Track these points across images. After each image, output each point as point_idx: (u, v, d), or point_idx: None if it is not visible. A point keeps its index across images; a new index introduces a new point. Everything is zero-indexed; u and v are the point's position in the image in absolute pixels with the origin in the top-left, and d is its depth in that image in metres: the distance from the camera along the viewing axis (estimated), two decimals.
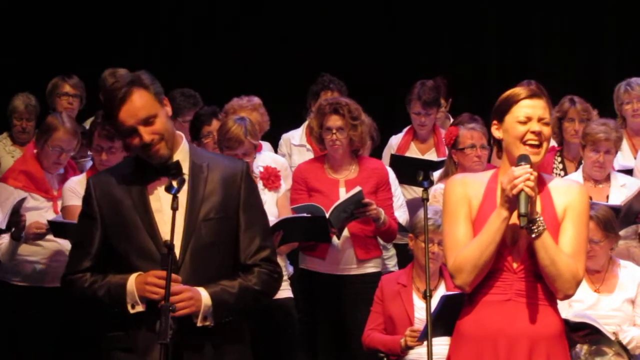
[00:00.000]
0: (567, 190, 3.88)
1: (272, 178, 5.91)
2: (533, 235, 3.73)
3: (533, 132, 3.79)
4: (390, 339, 5.48)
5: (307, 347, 6.15)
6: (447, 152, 6.58)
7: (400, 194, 6.42)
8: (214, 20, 9.35)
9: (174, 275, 3.69)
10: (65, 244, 5.82)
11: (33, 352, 5.99)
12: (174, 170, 3.79)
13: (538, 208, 3.75)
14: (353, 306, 5.98)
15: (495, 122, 3.89)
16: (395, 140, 7.44)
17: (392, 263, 6.63)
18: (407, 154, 7.22)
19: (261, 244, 3.89)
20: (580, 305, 5.28)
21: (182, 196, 3.79)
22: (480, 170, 5.84)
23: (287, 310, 5.82)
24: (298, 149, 7.22)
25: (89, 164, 6.38)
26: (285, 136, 7.33)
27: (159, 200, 3.82)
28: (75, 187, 5.78)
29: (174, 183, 3.72)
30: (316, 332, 6.13)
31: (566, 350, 3.90)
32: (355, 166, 6.08)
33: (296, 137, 7.29)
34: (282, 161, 6.38)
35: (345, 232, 5.91)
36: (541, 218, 3.73)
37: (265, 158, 6.15)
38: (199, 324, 3.75)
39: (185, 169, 3.86)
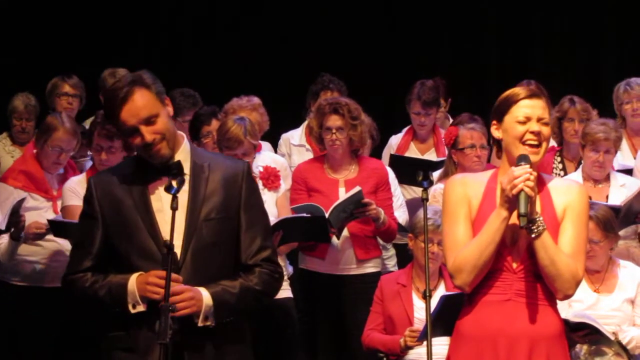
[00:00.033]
0: (566, 190, 3.88)
1: (271, 178, 5.91)
2: (533, 235, 3.73)
3: (532, 132, 3.79)
4: (390, 338, 5.48)
5: (307, 347, 6.15)
6: (446, 152, 6.58)
7: (399, 194, 6.42)
8: (214, 20, 9.35)
9: (175, 275, 3.70)
10: (65, 244, 5.83)
11: (33, 352, 5.99)
12: (175, 170, 3.79)
13: (538, 208, 3.75)
14: (353, 306, 5.98)
15: (494, 122, 3.90)
16: (395, 140, 7.44)
17: (391, 263, 6.63)
18: (407, 154, 7.22)
19: (262, 244, 3.89)
20: (580, 305, 5.28)
21: (184, 196, 3.80)
22: (479, 170, 5.84)
23: (287, 310, 5.82)
24: (297, 149, 7.22)
25: (89, 163, 6.38)
26: (284, 136, 7.33)
27: (160, 200, 3.82)
28: (75, 187, 5.78)
29: (174, 183, 3.72)
30: (316, 332, 6.13)
31: (566, 351, 3.91)
32: (354, 166, 6.08)
33: (295, 137, 7.29)
34: (282, 161, 6.38)
35: (345, 232, 5.92)
36: (541, 218, 3.73)
37: (264, 158, 6.16)
38: (200, 324, 3.75)
39: (187, 169, 3.86)
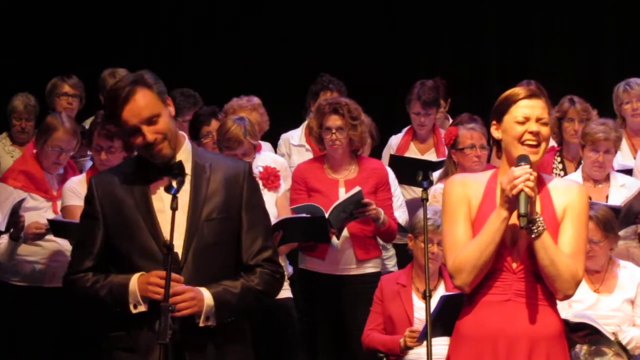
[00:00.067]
0: (566, 191, 3.88)
1: (271, 178, 5.91)
2: (533, 236, 3.73)
3: (531, 133, 3.79)
4: (390, 339, 5.48)
5: (307, 347, 6.15)
6: (446, 152, 6.58)
7: (399, 194, 6.42)
8: (214, 20, 9.35)
9: (176, 276, 3.70)
10: (65, 244, 5.83)
11: (33, 352, 5.99)
12: (177, 170, 3.79)
13: (538, 208, 3.75)
14: (353, 306, 5.98)
15: (494, 122, 3.90)
16: (394, 140, 7.44)
17: (391, 263, 6.63)
18: (407, 154, 7.22)
19: (263, 245, 3.89)
20: (579, 305, 5.28)
21: (185, 196, 3.80)
22: (479, 171, 5.84)
23: (287, 310, 5.82)
24: (297, 149, 7.22)
25: (89, 163, 6.38)
26: (284, 136, 7.33)
27: (162, 200, 3.82)
28: (75, 187, 5.78)
29: (174, 183, 3.72)
30: (316, 332, 6.13)
31: (566, 351, 3.91)
32: (354, 166, 6.08)
33: (295, 137, 7.28)
34: (282, 161, 6.38)
35: (345, 232, 5.91)
36: (541, 218, 3.73)
37: (264, 158, 6.16)
38: (201, 324, 3.75)
39: (188, 169, 3.86)
